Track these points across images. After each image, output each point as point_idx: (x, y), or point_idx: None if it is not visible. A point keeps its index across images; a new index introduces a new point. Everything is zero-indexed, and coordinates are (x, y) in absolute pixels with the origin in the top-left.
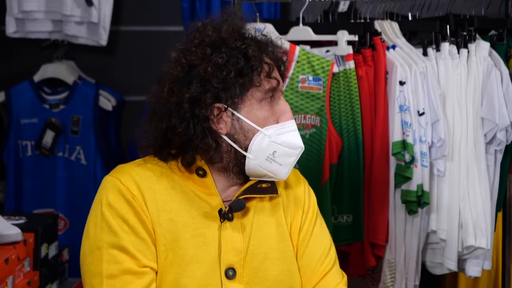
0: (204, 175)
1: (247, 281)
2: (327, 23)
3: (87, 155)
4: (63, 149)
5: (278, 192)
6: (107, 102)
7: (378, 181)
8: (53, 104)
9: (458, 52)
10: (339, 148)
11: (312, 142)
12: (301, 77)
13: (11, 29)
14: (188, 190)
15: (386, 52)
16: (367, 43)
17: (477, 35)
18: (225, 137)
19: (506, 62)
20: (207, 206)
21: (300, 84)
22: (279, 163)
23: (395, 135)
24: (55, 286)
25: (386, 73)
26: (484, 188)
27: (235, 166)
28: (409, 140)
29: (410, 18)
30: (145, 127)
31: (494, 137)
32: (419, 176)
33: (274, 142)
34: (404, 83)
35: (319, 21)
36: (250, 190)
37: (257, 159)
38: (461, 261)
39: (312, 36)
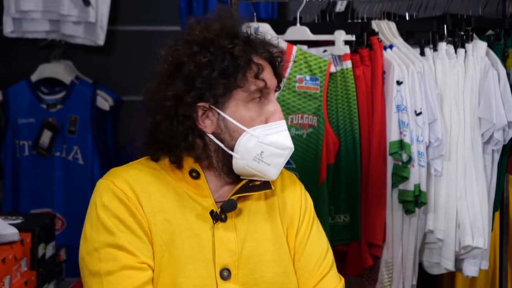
0: (197, 176)
1: (242, 282)
2: (324, 23)
3: (85, 155)
4: (60, 149)
5: (274, 194)
6: (104, 102)
7: (375, 181)
8: (51, 104)
9: (456, 52)
10: (336, 148)
11: (309, 142)
12: (298, 77)
13: (8, 28)
14: (181, 192)
15: (383, 52)
16: (364, 43)
17: (474, 35)
18: (212, 136)
19: (503, 61)
20: (200, 207)
21: (297, 84)
22: (267, 163)
23: (392, 135)
24: (52, 286)
25: (383, 73)
26: (482, 188)
27: (224, 166)
28: (407, 140)
29: (407, 18)
30: (135, 121)
31: (491, 137)
32: (416, 176)
33: (261, 142)
34: (401, 82)
35: (316, 21)
36: (243, 189)
37: (244, 159)
38: (458, 261)
39: (309, 36)
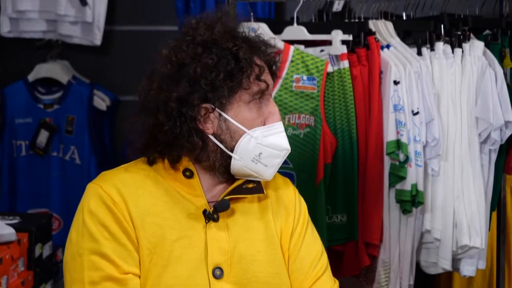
0: (191, 176)
1: (235, 282)
2: (321, 22)
3: (82, 155)
4: (57, 149)
5: (268, 196)
6: (101, 102)
7: (373, 180)
8: (48, 104)
9: (453, 52)
10: (333, 148)
11: (306, 141)
12: (295, 76)
13: (5, 28)
14: (173, 192)
15: (381, 51)
16: (362, 43)
17: (472, 35)
18: (212, 137)
19: (500, 61)
20: (192, 206)
21: (294, 84)
22: (264, 164)
23: (389, 135)
24: (49, 286)
25: (381, 72)
26: (479, 188)
27: (221, 166)
28: (404, 139)
29: (404, 18)
30: (132, 121)
31: (488, 136)
32: (413, 175)
33: (260, 144)
34: (399, 82)
35: (313, 21)
36: (236, 190)
37: (243, 160)
38: (455, 261)
39: (306, 35)
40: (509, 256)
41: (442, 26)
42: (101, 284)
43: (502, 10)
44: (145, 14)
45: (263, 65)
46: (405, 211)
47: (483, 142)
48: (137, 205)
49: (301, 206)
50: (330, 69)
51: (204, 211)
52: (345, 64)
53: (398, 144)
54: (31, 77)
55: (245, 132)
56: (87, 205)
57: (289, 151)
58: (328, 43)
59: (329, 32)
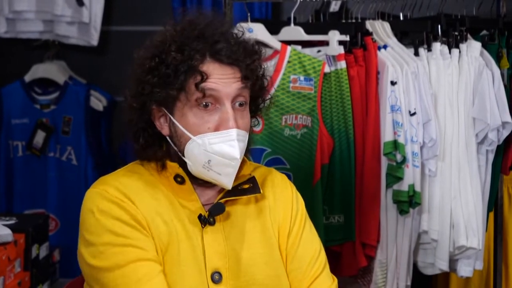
0: (182, 181)
1: (234, 285)
2: (318, 23)
3: (78, 156)
4: (54, 149)
5: (265, 196)
6: (98, 102)
7: (370, 181)
8: (44, 104)
9: (450, 52)
10: (331, 148)
11: (303, 142)
12: (292, 77)
13: (2, 29)
14: (170, 196)
15: (378, 52)
16: (359, 43)
17: (469, 35)
18: (168, 138)
19: (498, 62)
20: (188, 211)
21: (291, 84)
22: (217, 172)
23: (387, 135)
24: (46, 287)
25: (378, 73)
26: (476, 188)
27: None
28: (401, 140)
29: (401, 18)
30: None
31: (485, 137)
32: (410, 176)
33: (206, 151)
34: (396, 83)
35: (310, 21)
36: (232, 192)
37: (195, 166)
38: (452, 261)
39: (303, 36)
40: (506, 257)
41: (439, 26)
42: (130, 265)
43: (499, 11)
44: (141, 15)
45: (215, 71)
46: (402, 211)
47: (480, 143)
48: (144, 205)
49: (299, 204)
50: (327, 69)
51: (199, 216)
52: (342, 64)
53: (395, 145)
54: (27, 78)
55: (190, 137)
56: (96, 206)
57: (239, 161)
58: (325, 43)
59: (326, 33)
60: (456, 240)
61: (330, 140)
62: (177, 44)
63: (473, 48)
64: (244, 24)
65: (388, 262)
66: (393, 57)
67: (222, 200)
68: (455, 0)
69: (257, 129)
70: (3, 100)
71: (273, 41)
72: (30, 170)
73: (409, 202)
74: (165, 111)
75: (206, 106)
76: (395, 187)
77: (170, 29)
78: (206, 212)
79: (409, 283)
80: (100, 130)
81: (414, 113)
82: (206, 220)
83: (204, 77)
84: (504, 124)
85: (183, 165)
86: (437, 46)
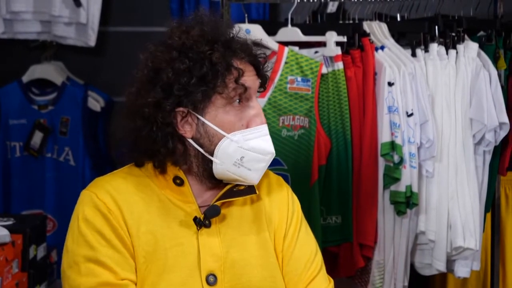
0: (181, 183)
1: (228, 287)
2: (315, 24)
3: (76, 156)
4: (51, 150)
5: (261, 198)
6: (95, 103)
7: (367, 182)
8: (42, 105)
9: (447, 53)
10: (328, 149)
11: (301, 143)
12: (289, 78)
13: None
14: (164, 199)
15: (375, 53)
16: (356, 44)
17: (466, 36)
18: (191, 141)
19: (495, 63)
20: (183, 213)
21: (288, 85)
22: (247, 168)
23: (384, 136)
24: None
25: (375, 74)
26: (473, 189)
27: (205, 171)
28: (398, 141)
29: (398, 19)
30: (118, 124)
31: (482, 138)
32: (407, 177)
33: (241, 147)
34: (393, 84)
35: (307, 22)
36: (227, 194)
37: (224, 164)
38: (450, 262)
39: (300, 37)
40: (503, 257)
41: (437, 27)
42: None
43: (497, 11)
44: (139, 15)
45: (243, 67)
46: (399, 212)
47: (477, 143)
48: (132, 213)
49: (294, 205)
50: (324, 70)
51: (195, 218)
52: (340, 65)
53: (393, 146)
54: (25, 78)
55: (224, 135)
56: (82, 213)
57: (274, 155)
58: (323, 44)
59: (323, 34)
60: (453, 241)
61: (327, 141)
62: (209, 43)
63: (470, 49)
64: (241, 25)
65: (386, 263)
66: (391, 58)
67: (218, 202)
68: (452, 1)
69: None
70: (0, 101)
71: (271, 42)
72: (28, 171)
73: (406, 203)
74: (193, 112)
75: (240, 103)
76: (393, 188)
77: (189, 29)
78: (202, 214)
79: (406, 283)
80: (98, 130)
81: (411, 114)
82: (201, 223)
83: (240, 73)
84: (501, 125)
85: (183, 167)
86: (434, 47)
